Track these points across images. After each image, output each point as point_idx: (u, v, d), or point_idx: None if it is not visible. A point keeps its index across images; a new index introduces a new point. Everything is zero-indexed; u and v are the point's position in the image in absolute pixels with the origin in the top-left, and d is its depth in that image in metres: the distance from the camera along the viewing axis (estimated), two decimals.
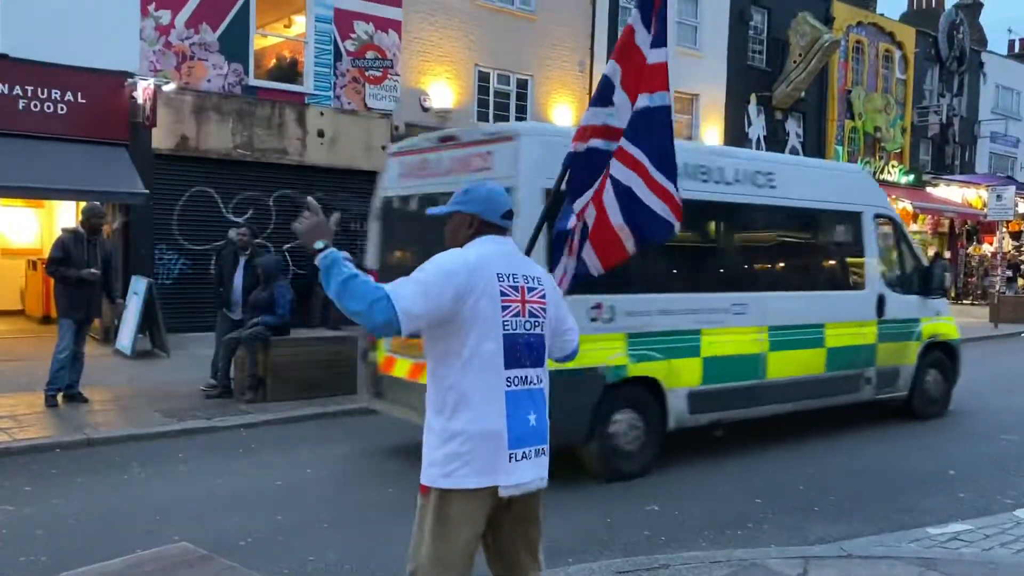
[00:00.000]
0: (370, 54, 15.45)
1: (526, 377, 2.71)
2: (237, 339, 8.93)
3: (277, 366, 8.98)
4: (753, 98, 22.79)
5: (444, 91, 16.55)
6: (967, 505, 5.87)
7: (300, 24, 15.47)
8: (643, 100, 3.74)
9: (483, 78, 17.37)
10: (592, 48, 18.51)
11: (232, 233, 9.58)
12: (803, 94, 23.34)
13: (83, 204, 9.22)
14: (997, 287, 19.83)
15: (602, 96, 3.85)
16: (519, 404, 2.67)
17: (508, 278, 2.70)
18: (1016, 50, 35.22)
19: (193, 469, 6.68)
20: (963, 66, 28.99)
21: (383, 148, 15.69)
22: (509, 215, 2.85)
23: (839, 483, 6.44)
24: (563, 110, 18.47)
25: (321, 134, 14.91)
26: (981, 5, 32.83)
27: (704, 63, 21.52)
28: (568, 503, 5.54)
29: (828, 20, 23.77)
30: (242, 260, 9.27)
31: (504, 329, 2.65)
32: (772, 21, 23.07)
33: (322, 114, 14.92)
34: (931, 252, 27.18)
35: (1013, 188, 20.89)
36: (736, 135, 22.30)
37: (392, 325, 2.48)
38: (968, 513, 5.62)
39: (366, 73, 15.43)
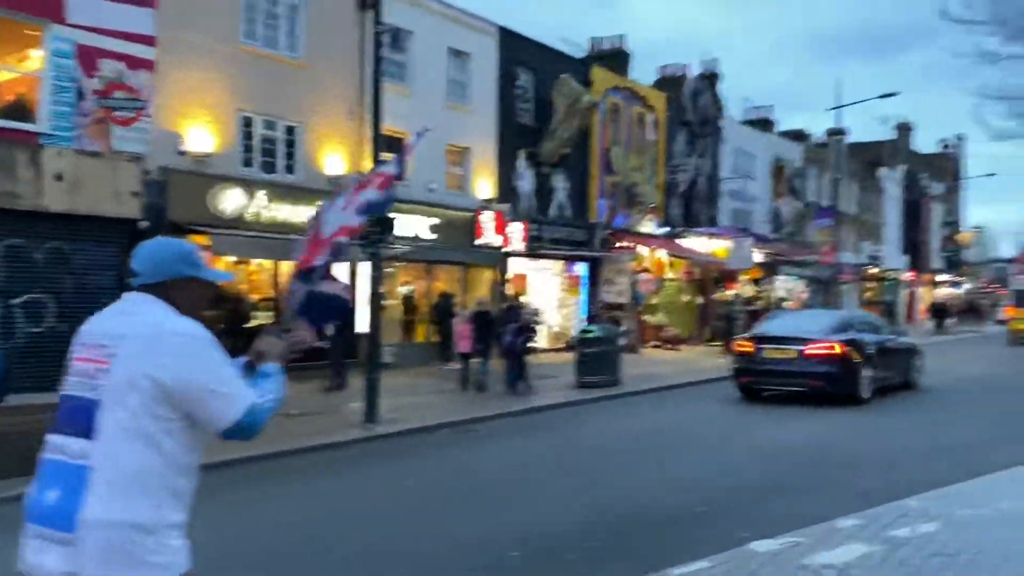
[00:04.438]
0: (119, 93, 14.35)
1: (61, 446, 2.39)
2: None
3: None
4: (522, 153, 23.70)
5: (203, 135, 15.70)
6: (708, 544, 6.11)
7: (37, 59, 14.08)
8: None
9: (247, 123, 16.69)
10: (362, 95, 18.39)
11: None
12: (568, 150, 24.61)
13: None
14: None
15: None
16: (45, 475, 2.40)
17: (87, 335, 2.52)
18: (751, 118, 39.43)
19: None
20: (707, 129, 32.01)
21: (134, 194, 14.56)
22: (130, 273, 2.60)
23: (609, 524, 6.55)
24: (334, 158, 18.15)
25: (59, 177, 13.55)
26: (718, 76, 36.43)
27: (474, 118, 22.12)
28: None
29: (588, 83, 25.35)
30: None
31: (63, 390, 2.51)
32: (538, 81, 24.23)
33: (60, 155, 13.58)
34: (685, 299, 29.56)
35: (751, 240, 23.19)
36: (506, 188, 23.04)
37: None
38: (707, 551, 5.86)
39: (114, 113, 14.30)
